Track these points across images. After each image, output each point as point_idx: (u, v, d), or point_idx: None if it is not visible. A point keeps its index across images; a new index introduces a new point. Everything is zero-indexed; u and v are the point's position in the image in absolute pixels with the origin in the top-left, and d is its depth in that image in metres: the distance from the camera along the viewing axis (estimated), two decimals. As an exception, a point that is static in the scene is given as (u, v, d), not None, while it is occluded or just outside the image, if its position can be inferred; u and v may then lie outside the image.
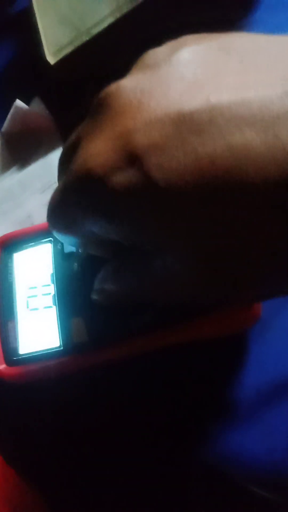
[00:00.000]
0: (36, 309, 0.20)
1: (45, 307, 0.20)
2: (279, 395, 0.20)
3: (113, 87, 0.12)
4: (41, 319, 0.20)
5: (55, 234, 0.15)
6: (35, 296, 0.20)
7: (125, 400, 0.21)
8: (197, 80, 0.11)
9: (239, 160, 0.10)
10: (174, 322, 0.18)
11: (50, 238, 0.21)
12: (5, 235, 0.22)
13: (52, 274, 0.20)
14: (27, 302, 0.20)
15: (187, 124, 0.11)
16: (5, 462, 0.20)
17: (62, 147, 0.26)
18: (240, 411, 0.20)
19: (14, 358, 0.19)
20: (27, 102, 0.27)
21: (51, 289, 0.20)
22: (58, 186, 0.14)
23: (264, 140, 0.10)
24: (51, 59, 0.26)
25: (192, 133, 0.11)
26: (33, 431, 0.22)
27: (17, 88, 0.29)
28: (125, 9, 0.25)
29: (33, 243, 0.21)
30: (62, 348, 0.19)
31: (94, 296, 0.17)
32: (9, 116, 0.27)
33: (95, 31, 0.25)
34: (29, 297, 0.20)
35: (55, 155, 0.26)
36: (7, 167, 0.27)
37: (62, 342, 0.19)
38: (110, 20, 0.25)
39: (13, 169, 0.27)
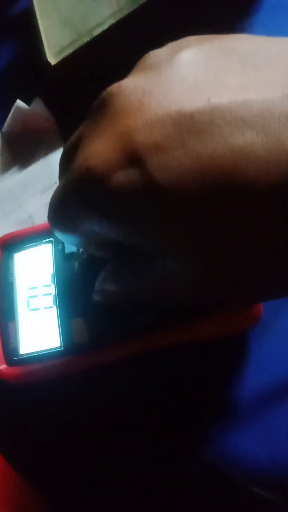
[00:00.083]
0: (36, 309, 0.20)
1: (46, 308, 0.20)
2: (279, 396, 0.20)
3: (115, 87, 0.12)
4: (42, 320, 0.20)
5: (56, 233, 0.15)
6: (35, 296, 0.20)
7: (125, 400, 0.21)
8: (198, 81, 0.11)
9: (239, 161, 0.10)
10: (174, 323, 0.18)
11: (51, 239, 0.21)
12: (5, 235, 0.22)
13: (53, 274, 0.20)
14: (28, 302, 0.20)
15: (187, 124, 0.11)
16: (5, 462, 0.20)
17: (62, 147, 0.26)
18: (240, 411, 0.20)
19: (15, 358, 0.19)
20: (27, 102, 0.27)
21: (52, 290, 0.20)
22: (59, 186, 0.14)
23: (265, 141, 0.10)
24: (52, 60, 0.26)
25: (192, 134, 0.11)
26: (33, 431, 0.22)
27: (17, 88, 0.29)
28: (126, 11, 0.25)
29: (33, 244, 0.21)
30: (62, 348, 0.19)
31: (95, 297, 0.17)
32: (9, 116, 0.27)
33: (96, 32, 0.25)
34: (29, 297, 0.20)
35: (55, 156, 0.26)
36: (7, 167, 0.27)
37: (63, 343, 0.19)
38: (111, 21, 0.25)
39: (14, 169, 0.27)
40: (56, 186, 0.14)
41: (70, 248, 0.20)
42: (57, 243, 0.21)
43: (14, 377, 0.19)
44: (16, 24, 0.31)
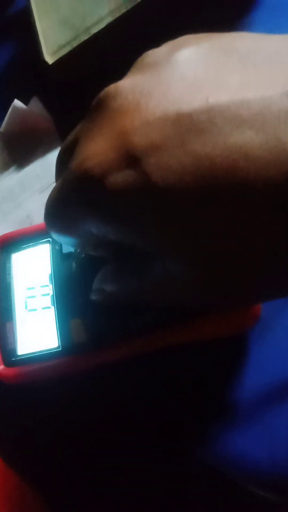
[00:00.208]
0: (34, 309, 0.20)
1: (44, 308, 0.20)
2: (279, 396, 0.20)
3: (112, 87, 0.12)
4: (40, 320, 0.20)
5: (52, 234, 0.15)
6: (33, 296, 0.20)
7: (125, 400, 0.21)
8: (196, 80, 0.11)
9: (238, 160, 0.10)
10: (174, 323, 0.18)
11: (49, 239, 0.21)
12: (3, 235, 0.22)
13: (51, 274, 0.20)
14: (26, 302, 0.20)
15: (186, 124, 0.11)
16: (5, 462, 0.20)
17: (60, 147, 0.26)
18: (240, 412, 0.20)
19: (13, 359, 0.19)
20: (25, 102, 0.27)
21: (50, 290, 0.20)
22: (56, 186, 0.14)
23: (264, 141, 0.10)
24: (50, 59, 0.26)
25: (191, 134, 0.11)
26: (33, 431, 0.22)
27: (15, 88, 0.29)
28: (124, 9, 0.25)
29: (31, 244, 0.21)
30: (60, 349, 0.19)
31: (93, 296, 0.17)
32: (7, 116, 0.27)
33: (94, 30, 0.25)
34: (27, 297, 0.20)
35: (54, 155, 0.26)
36: (6, 167, 0.27)
37: (61, 343, 0.19)
38: (109, 19, 0.25)
39: (12, 169, 0.27)
40: (54, 185, 0.14)
41: (68, 248, 0.20)
42: (55, 243, 0.21)
43: (12, 378, 0.19)
44: (14, 23, 0.31)
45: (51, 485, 0.21)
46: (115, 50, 0.25)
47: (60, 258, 0.20)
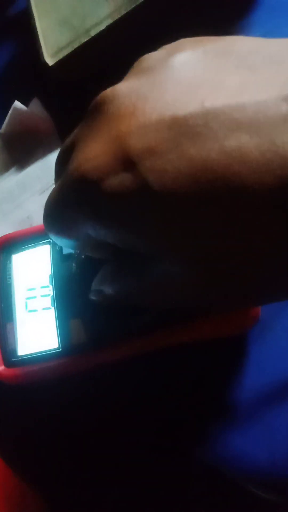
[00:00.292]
0: (35, 310, 0.20)
1: (44, 309, 0.20)
2: (279, 396, 0.20)
3: (109, 91, 0.12)
4: (40, 321, 0.20)
5: (51, 236, 0.15)
6: (33, 297, 0.20)
7: (125, 400, 0.21)
8: (192, 84, 0.11)
9: (233, 163, 0.10)
10: (174, 323, 0.18)
11: (49, 240, 0.21)
12: (4, 236, 0.22)
13: (51, 275, 0.20)
14: (26, 303, 0.20)
15: (181, 128, 0.11)
16: (5, 462, 0.20)
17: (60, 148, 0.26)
18: (240, 412, 0.20)
19: (13, 360, 0.19)
20: (26, 103, 0.27)
21: (50, 291, 0.20)
22: (54, 189, 0.14)
23: (259, 144, 0.10)
24: (50, 61, 0.26)
25: (186, 137, 0.11)
26: (33, 431, 0.22)
27: (15, 89, 0.29)
28: (123, 11, 0.25)
29: (32, 244, 0.21)
30: (60, 349, 0.19)
31: (92, 297, 0.17)
32: (8, 117, 0.27)
33: (94, 32, 0.25)
34: (27, 298, 0.20)
35: (54, 156, 0.26)
36: (6, 168, 0.27)
37: (61, 344, 0.19)
38: (108, 21, 0.25)
39: (12, 170, 0.27)
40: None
41: (68, 249, 0.20)
42: (55, 244, 0.21)
43: (13, 379, 0.19)
44: (14, 24, 0.31)
45: (51, 485, 0.21)
46: (115, 51, 0.25)
47: (60, 259, 0.20)
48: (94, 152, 0.12)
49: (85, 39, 0.25)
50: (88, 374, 0.19)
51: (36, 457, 0.21)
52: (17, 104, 0.27)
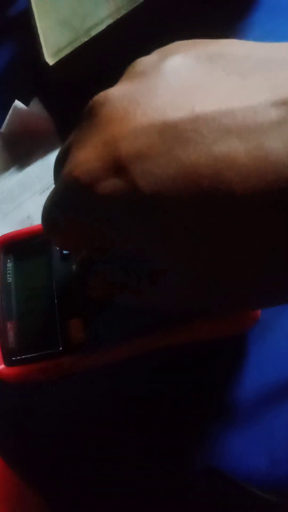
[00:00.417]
0: (35, 309, 0.20)
1: (44, 308, 0.20)
2: (279, 396, 0.20)
3: (101, 96, 0.12)
4: (40, 320, 0.20)
5: (49, 237, 0.15)
6: (34, 296, 0.20)
7: (125, 401, 0.21)
8: (183, 89, 0.11)
9: (222, 169, 0.10)
10: (174, 323, 0.18)
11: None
12: (4, 236, 0.22)
13: (51, 274, 0.20)
14: (26, 302, 0.20)
15: (171, 133, 0.11)
16: (4, 463, 0.20)
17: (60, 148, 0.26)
18: (240, 412, 0.20)
19: (13, 359, 0.19)
20: (26, 103, 0.27)
21: (50, 290, 0.20)
22: (52, 191, 0.14)
23: (248, 149, 0.10)
24: (50, 60, 0.26)
25: (176, 142, 0.11)
26: (33, 431, 0.22)
27: (16, 89, 0.29)
28: (123, 11, 0.25)
29: (32, 244, 0.21)
30: (61, 348, 0.19)
31: (91, 296, 0.17)
32: (8, 117, 0.27)
33: (94, 32, 0.25)
34: (28, 297, 0.20)
35: (54, 156, 0.26)
36: (6, 168, 0.27)
37: (61, 343, 0.19)
38: (109, 21, 0.25)
39: (12, 169, 0.27)
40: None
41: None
42: (55, 244, 0.21)
43: (13, 377, 0.19)
44: (15, 24, 0.31)
45: (51, 485, 0.21)
46: (115, 51, 0.25)
47: (60, 258, 0.20)
48: (86, 156, 0.12)
49: (85, 39, 0.25)
50: (88, 374, 0.19)
51: (36, 457, 0.21)
52: (17, 103, 0.27)
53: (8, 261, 0.21)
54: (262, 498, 0.18)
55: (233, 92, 0.11)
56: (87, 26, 0.25)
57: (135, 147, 0.11)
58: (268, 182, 0.10)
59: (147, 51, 0.14)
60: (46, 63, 0.26)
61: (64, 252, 0.20)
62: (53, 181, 0.26)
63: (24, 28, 0.28)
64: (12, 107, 0.27)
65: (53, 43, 0.26)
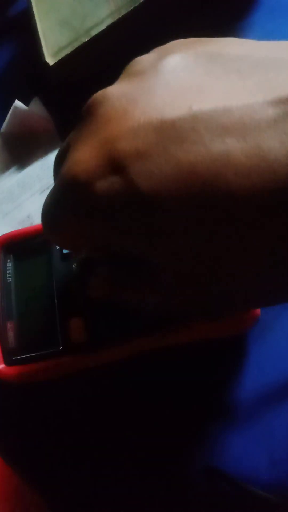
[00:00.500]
0: (35, 309, 0.20)
1: (45, 307, 0.20)
2: (279, 396, 0.20)
3: (100, 94, 0.12)
4: (41, 319, 0.20)
5: (48, 237, 0.15)
6: (34, 296, 0.20)
7: (125, 401, 0.21)
8: (181, 88, 0.11)
9: (219, 167, 0.10)
10: (174, 323, 0.18)
11: (49, 239, 0.21)
12: (4, 235, 0.22)
13: (51, 274, 0.20)
14: (26, 302, 0.20)
15: (169, 132, 0.11)
16: (4, 463, 0.20)
17: (61, 148, 0.26)
18: (240, 412, 0.20)
19: (13, 358, 0.19)
20: (26, 102, 0.27)
21: (50, 289, 0.20)
22: (51, 190, 0.14)
23: (245, 148, 0.10)
24: (50, 60, 0.26)
25: (174, 141, 0.11)
26: (33, 431, 0.22)
27: (16, 88, 0.29)
28: (124, 11, 0.25)
29: (32, 243, 0.21)
30: (61, 348, 0.19)
31: (90, 295, 0.17)
32: (8, 116, 0.27)
33: (94, 32, 0.25)
34: (28, 297, 0.20)
35: (54, 156, 0.26)
36: (6, 167, 0.27)
37: (61, 343, 0.19)
38: (109, 21, 0.25)
39: (12, 169, 0.27)
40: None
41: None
42: (55, 243, 0.21)
43: (13, 377, 0.19)
44: (15, 24, 0.31)
45: (51, 485, 0.21)
46: (115, 51, 0.25)
47: (61, 258, 0.20)
48: (85, 155, 0.12)
49: (85, 39, 0.25)
50: (88, 374, 0.19)
51: (36, 457, 0.21)
52: (18, 103, 0.27)
53: (8, 261, 0.21)
54: (262, 498, 0.18)
55: (231, 91, 0.11)
56: (87, 26, 0.25)
57: (133, 146, 0.11)
58: (266, 181, 0.10)
59: (147, 51, 0.14)
60: (46, 63, 0.26)
61: (64, 251, 0.20)
62: (53, 181, 0.26)
63: (24, 28, 0.28)
64: (12, 107, 0.27)
65: (53, 43, 0.26)
